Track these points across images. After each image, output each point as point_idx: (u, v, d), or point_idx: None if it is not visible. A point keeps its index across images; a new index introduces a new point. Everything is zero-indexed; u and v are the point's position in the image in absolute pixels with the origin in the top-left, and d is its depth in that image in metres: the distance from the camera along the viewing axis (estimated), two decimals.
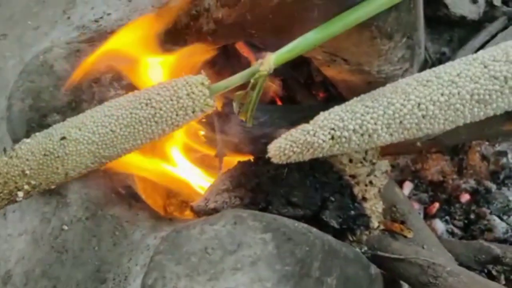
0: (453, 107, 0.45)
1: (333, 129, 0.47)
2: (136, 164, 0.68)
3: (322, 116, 0.49)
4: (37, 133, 0.51)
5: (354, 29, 0.63)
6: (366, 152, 0.65)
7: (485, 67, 0.45)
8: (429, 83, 0.46)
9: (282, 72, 0.87)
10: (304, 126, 0.48)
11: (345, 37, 0.65)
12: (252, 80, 0.52)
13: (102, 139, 0.48)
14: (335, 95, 0.87)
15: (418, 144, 0.74)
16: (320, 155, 0.49)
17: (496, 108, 0.46)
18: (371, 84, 0.77)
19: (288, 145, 0.48)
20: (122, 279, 0.57)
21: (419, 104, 0.46)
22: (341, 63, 0.72)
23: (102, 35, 0.69)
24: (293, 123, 0.70)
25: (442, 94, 0.45)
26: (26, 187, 0.48)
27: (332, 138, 0.47)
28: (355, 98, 0.50)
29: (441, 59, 0.89)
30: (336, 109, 0.49)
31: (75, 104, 0.63)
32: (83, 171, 0.49)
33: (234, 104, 0.53)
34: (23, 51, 0.83)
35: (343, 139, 0.47)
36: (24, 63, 0.70)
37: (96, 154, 0.48)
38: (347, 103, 0.50)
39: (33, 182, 0.48)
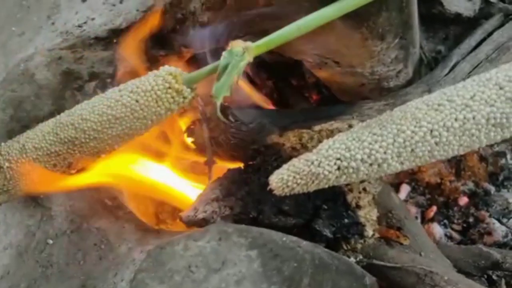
0: (468, 133, 0.43)
1: (339, 159, 0.45)
2: (125, 177, 0.67)
3: (326, 145, 0.46)
4: None
5: (344, 31, 0.61)
6: None
7: (501, 88, 0.42)
8: (441, 107, 0.44)
9: (274, 74, 0.86)
10: (307, 156, 0.46)
11: (335, 40, 0.64)
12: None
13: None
14: (328, 97, 0.85)
15: None
16: (326, 186, 0.46)
17: None
18: (365, 85, 0.75)
19: (291, 176, 0.46)
20: None
21: (431, 131, 0.43)
22: (332, 65, 0.70)
23: (85, 41, 0.67)
24: (285, 128, 0.68)
25: (456, 119, 0.43)
26: None
27: (339, 168, 0.45)
28: (360, 124, 0.48)
29: (437, 58, 0.87)
30: (341, 137, 0.47)
31: (57, 114, 0.61)
32: None
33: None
34: (8, 57, 0.81)
35: (351, 170, 0.45)
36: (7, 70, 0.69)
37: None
38: (352, 130, 0.48)
39: None
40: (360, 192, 0.61)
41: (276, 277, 0.41)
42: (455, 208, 0.81)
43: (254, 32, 0.66)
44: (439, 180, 0.83)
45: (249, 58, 0.47)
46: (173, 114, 0.53)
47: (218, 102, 0.47)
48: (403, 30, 0.66)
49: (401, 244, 0.64)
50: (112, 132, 0.52)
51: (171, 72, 0.50)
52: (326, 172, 0.45)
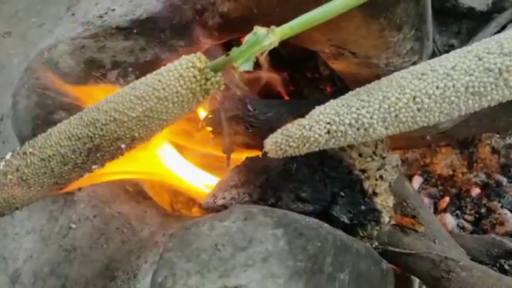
0: (448, 100, 0.45)
1: (329, 123, 0.47)
2: (142, 169, 0.68)
3: (317, 111, 0.49)
4: None
5: (362, 21, 0.62)
6: (376, 146, 0.64)
7: (480, 59, 0.45)
8: (424, 76, 0.46)
9: (289, 66, 0.87)
10: (300, 121, 0.49)
11: (353, 30, 0.65)
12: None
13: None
14: (342, 89, 0.86)
15: (428, 137, 0.73)
16: (317, 149, 0.49)
17: (490, 100, 0.46)
18: (379, 77, 0.75)
19: (284, 139, 0.48)
20: (131, 276, 0.57)
21: (414, 98, 0.46)
22: (349, 56, 0.71)
23: (106, 31, 0.68)
24: (302, 117, 0.69)
25: (437, 87, 0.45)
26: None
27: (328, 132, 0.47)
28: (350, 92, 0.51)
29: (450, 51, 0.88)
30: (332, 104, 0.49)
31: (80, 101, 0.62)
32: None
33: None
34: (28, 48, 0.83)
35: (339, 133, 0.47)
36: (29, 60, 0.70)
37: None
38: (342, 97, 0.50)
39: None
40: (376, 180, 0.63)
41: (301, 255, 0.43)
42: (468, 199, 0.82)
43: (273, 22, 0.67)
44: (451, 172, 0.84)
45: (274, 39, 0.47)
46: (196, 99, 0.52)
47: (238, 72, 0.48)
48: (419, 21, 0.67)
49: (416, 231, 0.66)
50: (132, 113, 0.50)
51: (195, 54, 0.51)
52: (317, 136, 0.47)
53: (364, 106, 0.47)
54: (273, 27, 0.49)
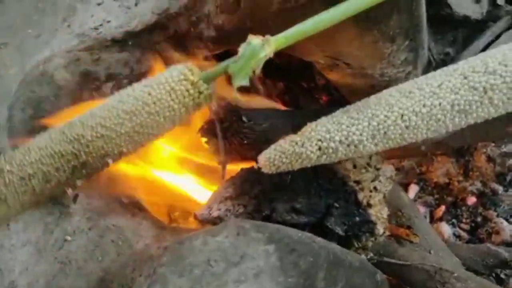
0: (435, 118, 0.47)
1: (320, 140, 0.49)
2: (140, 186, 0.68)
3: (309, 128, 0.50)
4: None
5: (356, 33, 0.62)
6: (370, 157, 0.64)
7: (465, 78, 0.46)
8: (412, 94, 0.48)
9: (284, 76, 0.87)
10: (292, 137, 0.50)
11: (347, 41, 0.65)
12: None
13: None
14: (338, 99, 0.87)
15: (423, 147, 0.73)
16: (309, 165, 0.50)
17: (476, 117, 0.47)
18: (374, 87, 0.76)
19: (277, 155, 0.49)
20: None
21: (402, 115, 0.47)
22: (343, 67, 0.71)
23: (101, 43, 0.68)
24: (297, 128, 0.69)
25: (424, 106, 0.47)
26: None
27: (320, 149, 0.49)
28: (341, 109, 0.52)
29: (445, 60, 0.88)
30: (323, 121, 0.51)
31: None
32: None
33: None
34: (24, 59, 0.83)
35: (330, 150, 0.49)
36: (25, 71, 0.70)
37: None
38: (333, 114, 0.52)
39: None
40: (371, 191, 0.63)
41: (293, 271, 0.43)
42: (463, 208, 0.83)
43: (267, 34, 0.67)
44: (447, 180, 0.84)
45: (269, 50, 0.47)
46: (189, 113, 0.51)
47: (235, 86, 0.48)
48: (413, 32, 0.68)
49: (411, 242, 0.66)
50: (121, 129, 0.48)
51: (187, 66, 0.49)
52: (309, 152, 0.49)
53: (354, 124, 0.48)
54: (267, 36, 0.49)
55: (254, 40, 0.49)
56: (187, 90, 0.49)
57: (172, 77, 0.49)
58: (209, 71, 0.52)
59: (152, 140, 0.52)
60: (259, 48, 0.49)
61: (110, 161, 0.51)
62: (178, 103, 0.49)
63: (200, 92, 0.50)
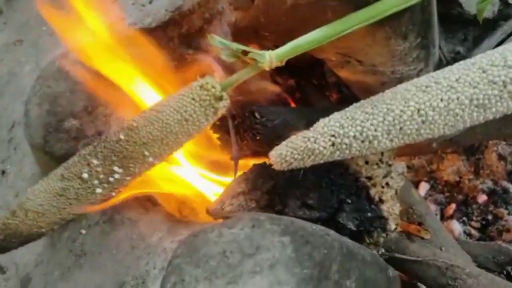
0: (453, 112, 0.46)
1: (333, 136, 0.47)
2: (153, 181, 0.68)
3: (322, 123, 0.49)
4: None
5: (368, 30, 0.63)
6: (382, 153, 0.65)
7: (484, 72, 0.45)
8: (428, 88, 0.47)
9: (295, 73, 0.87)
10: (304, 133, 0.49)
11: (359, 38, 0.65)
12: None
13: None
14: (348, 96, 0.87)
15: (434, 144, 0.73)
16: (321, 161, 0.49)
17: (495, 112, 0.46)
18: (385, 84, 0.77)
19: (289, 152, 0.48)
20: (140, 282, 0.57)
21: (418, 110, 0.46)
22: (355, 64, 0.72)
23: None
24: (308, 125, 0.70)
25: (441, 100, 0.46)
26: None
27: (333, 144, 0.47)
28: (354, 104, 0.51)
29: (456, 58, 0.88)
30: (336, 116, 0.50)
31: (91, 109, 0.63)
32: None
33: None
34: (39, 56, 0.84)
35: (344, 146, 0.47)
36: (40, 68, 0.71)
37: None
38: (347, 109, 0.50)
39: None
40: (383, 187, 0.63)
41: (308, 262, 0.43)
42: (474, 206, 0.83)
43: (280, 31, 0.68)
44: (458, 179, 0.84)
45: (268, 66, 0.50)
46: (209, 121, 0.53)
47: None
48: (425, 29, 0.68)
49: (422, 238, 0.66)
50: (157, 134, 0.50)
51: (207, 79, 0.51)
52: (321, 148, 0.47)
53: (369, 119, 0.47)
54: (270, 52, 0.51)
55: (259, 57, 0.51)
56: (208, 101, 0.51)
57: (194, 91, 0.51)
58: (227, 80, 0.53)
59: (179, 146, 0.54)
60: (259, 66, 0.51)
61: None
62: (200, 113, 0.51)
63: (218, 101, 0.52)
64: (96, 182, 0.50)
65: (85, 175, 0.49)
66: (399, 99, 0.47)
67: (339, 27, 0.53)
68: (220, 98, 0.51)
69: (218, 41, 0.54)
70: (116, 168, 0.49)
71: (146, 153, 0.50)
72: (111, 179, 0.50)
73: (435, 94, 0.46)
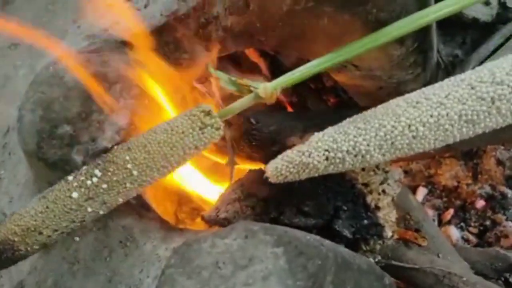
0: (442, 128, 0.47)
1: (327, 150, 0.49)
2: None
3: (316, 138, 0.51)
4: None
5: (364, 35, 0.62)
6: None
7: (472, 88, 0.46)
8: (419, 104, 0.48)
9: None
10: (299, 147, 0.50)
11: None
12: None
13: None
14: (346, 100, 0.86)
15: (431, 150, 0.72)
16: (316, 175, 0.51)
17: (484, 127, 0.47)
18: (383, 89, 0.76)
19: (284, 165, 0.50)
20: None
21: (409, 126, 0.47)
22: (351, 69, 0.71)
23: (111, 44, 0.68)
24: (305, 130, 0.69)
25: (431, 116, 0.47)
26: None
27: (327, 159, 0.49)
28: (347, 119, 0.53)
29: (454, 62, 0.88)
30: (330, 131, 0.51)
31: (85, 115, 0.63)
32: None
33: None
34: (34, 60, 0.84)
35: (337, 160, 0.49)
36: (35, 72, 0.70)
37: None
38: (339, 124, 0.52)
39: None
40: (379, 194, 0.63)
41: (301, 274, 0.43)
42: (472, 211, 0.82)
43: (276, 36, 0.67)
44: (456, 183, 0.84)
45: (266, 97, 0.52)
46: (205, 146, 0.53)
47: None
48: (423, 34, 0.67)
49: (419, 245, 0.65)
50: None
51: (204, 108, 0.52)
52: (316, 162, 0.49)
53: (361, 134, 0.48)
54: (269, 84, 0.52)
55: (260, 90, 0.52)
56: (205, 130, 0.52)
57: (192, 122, 0.51)
58: (225, 110, 0.54)
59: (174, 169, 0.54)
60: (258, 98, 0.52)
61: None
62: (197, 144, 0.52)
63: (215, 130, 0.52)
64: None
65: (89, 209, 0.51)
66: (390, 114, 0.49)
67: (335, 57, 0.54)
68: (218, 128, 0.51)
69: (217, 73, 0.54)
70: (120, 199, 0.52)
71: (135, 172, 0.50)
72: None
73: (425, 110, 0.47)
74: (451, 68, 0.87)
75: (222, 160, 0.75)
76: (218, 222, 0.64)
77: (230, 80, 0.53)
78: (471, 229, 0.81)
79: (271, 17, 0.61)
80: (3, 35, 0.89)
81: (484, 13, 0.86)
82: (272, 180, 0.50)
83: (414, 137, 0.48)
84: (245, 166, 0.72)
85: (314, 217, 0.62)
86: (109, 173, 0.50)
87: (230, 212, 0.64)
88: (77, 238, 0.63)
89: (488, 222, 0.80)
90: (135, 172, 0.50)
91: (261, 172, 0.67)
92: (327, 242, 0.49)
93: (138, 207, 0.65)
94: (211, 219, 0.65)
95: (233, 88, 0.53)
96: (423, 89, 0.51)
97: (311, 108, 0.86)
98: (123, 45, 0.69)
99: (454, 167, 0.84)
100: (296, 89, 0.87)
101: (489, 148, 0.84)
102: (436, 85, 0.51)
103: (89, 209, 0.51)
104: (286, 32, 0.63)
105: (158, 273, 0.57)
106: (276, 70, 0.85)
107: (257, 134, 0.68)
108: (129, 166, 0.50)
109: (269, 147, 0.68)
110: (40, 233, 0.50)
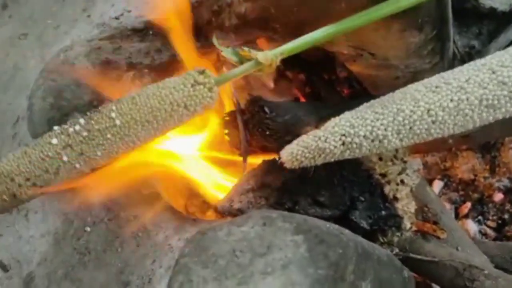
0: (462, 113, 0.46)
1: (344, 135, 0.48)
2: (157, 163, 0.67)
3: (332, 122, 0.49)
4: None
5: (382, 22, 0.60)
6: (396, 150, 0.62)
7: (493, 72, 0.45)
8: (438, 89, 0.47)
9: (306, 68, 0.85)
10: (315, 132, 0.49)
11: (372, 30, 0.63)
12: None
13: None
14: (360, 92, 0.85)
15: (450, 141, 0.71)
16: (332, 160, 0.49)
17: (505, 112, 0.46)
18: (399, 79, 0.74)
19: (300, 150, 0.48)
20: (146, 281, 0.56)
21: (428, 110, 0.46)
22: (367, 57, 0.69)
23: (122, 32, 0.67)
24: (320, 120, 0.68)
25: (451, 100, 0.46)
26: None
27: (343, 144, 0.48)
28: (365, 104, 0.51)
29: (471, 53, 0.86)
30: (347, 115, 0.50)
31: (96, 103, 0.62)
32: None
33: None
34: (44, 50, 0.83)
35: (354, 145, 0.48)
36: (45, 62, 0.70)
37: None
38: (357, 109, 0.51)
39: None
40: (397, 184, 0.61)
41: (322, 262, 0.41)
42: (490, 205, 0.80)
43: (291, 23, 0.66)
44: (473, 177, 0.82)
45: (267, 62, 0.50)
46: (196, 112, 0.51)
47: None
48: (441, 22, 0.66)
49: (438, 238, 0.64)
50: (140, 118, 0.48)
51: (199, 69, 0.50)
52: (332, 147, 0.48)
53: (379, 119, 0.47)
54: (273, 51, 0.51)
55: (261, 56, 0.50)
56: (199, 91, 0.49)
57: (185, 79, 0.50)
58: (223, 75, 0.52)
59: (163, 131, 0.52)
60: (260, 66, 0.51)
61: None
62: (186, 102, 0.49)
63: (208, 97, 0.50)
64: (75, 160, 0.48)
65: (65, 158, 0.48)
66: (409, 99, 0.48)
67: (343, 24, 0.52)
68: (210, 89, 0.50)
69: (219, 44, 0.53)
70: (98, 153, 0.48)
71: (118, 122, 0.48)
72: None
73: (445, 95, 0.46)
74: (467, 59, 0.85)
75: (234, 155, 0.73)
76: (232, 213, 0.63)
77: (233, 50, 0.51)
78: (489, 222, 0.79)
79: (286, 3, 0.60)
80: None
81: (501, 2, 0.84)
82: (288, 165, 0.49)
83: (433, 122, 0.46)
84: (257, 159, 0.71)
85: (330, 207, 0.60)
86: (93, 122, 0.48)
87: (244, 202, 0.62)
88: (88, 229, 0.62)
89: (506, 216, 0.78)
90: (118, 122, 0.47)
91: (275, 162, 0.66)
92: (347, 231, 0.48)
93: (151, 198, 0.64)
94: (224, 209, 0.63)
95: (235, 58, 0.51)
96: (442, 73, 0.50)
97: (325, 99, 0.84)
98: (135, 32, 0.68)
99: (471, 160, 0.82)
100: (309, 80, 0.85)
101: (507, 140, 0.82)
102: (456, 69, 0.50)
103: (65, 158, 0.47)
104: (301, 18, 0.61)
105: (171, 263, 0.56)
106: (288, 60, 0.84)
107: (271, 123, 0.67)
108: (113, 115, 0.48)
109: (283, 137, 0.66)
110: (12, 179, 0.47)
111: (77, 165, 0.48)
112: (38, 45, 0.83)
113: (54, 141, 0.48)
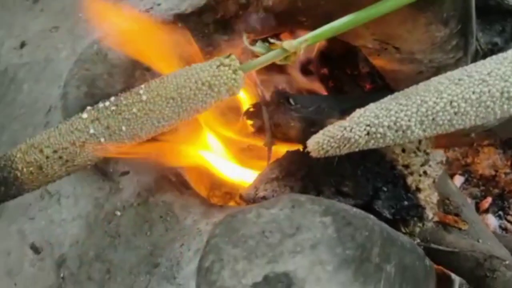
0: (484, 104, 0.48)
1: (368, 125, 0.49)
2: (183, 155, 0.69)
3: (358, 113, 0.51)
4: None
5: (409, 15, 0.61)
6: (419, 142, 0.63)
7: None
8: (461, 81, 0.49)
9: (329, 62, 0.87)
10: (341, 123, 0.51)
11: (398, 24, 0.64)
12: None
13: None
14: (382, 87, 0.86)
15: (473, 135, 0.72)
16: (357, 149, 0.51)
17: None
18: (422, 73, 0.75)
19: (326, 140, 0.50)
20: (175, 263, 0.58)
21: (451, 102, 0.48)
22: (392, 51, 0.70)
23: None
24: (343, 112, 0.69)
25: (473, 92, 0.47)
26: None
27: (368, 134, 0.49)
28: (389, 96, 0.53)
29: (493, 50, 0.86)
30: (371, 107, 0.52)
31: (128, 91, 0.64)
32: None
33: None
34: (75, 42, 0.85)
35: (378, 135, 0.49)
36: (76, 54, 0.72)
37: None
38: (381, 100, 0.53)
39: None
40: (420, 175, 0.62)
41: (350, 243, 0.43)
42: (511, 200, 0.80)
43: (317, 15, 0.67)
44: (493, 172, 0.82)
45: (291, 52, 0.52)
46: (221, 96, 0.52)
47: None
48: (465, 17, 0.66)
49: (460, 229, 0.64)
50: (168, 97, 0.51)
51: (231, 60, 0.52)
52: (357, 137, 0.49)
53: (403, 110, 0.49)
54: (298, 40, 0.52)
55: (288, 45, 0.52)
56: (225, 76, 0.51)
57: (211, 61, 0.52)
58: (249, 62, 0.54)
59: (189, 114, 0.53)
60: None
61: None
62: (210, 81, 0.51)
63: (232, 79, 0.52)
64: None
65: (92, 130, 0.50)
66: (432, 91, 0.49)
67: (367, 12, 0.54)
68: (235, 71, 0.51)
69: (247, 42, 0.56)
70: (123, 127, 0.51)
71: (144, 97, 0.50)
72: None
73: (468, 87, 0.48)
74: (490, 56, 0.85)
75: (258, 143, 0.75)
76: (256, 201, 0.64)
77: (261, 44, 0.53)
78: (509, 217, 0.79)
79: None
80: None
81: None
82: (314, 154, 0.51)
83: (455, 113, 0.48)
84: (282, 148, 0.72)
85: (353, 197, 0.61)
86: (121, 98, 0.51)
87: (269, 191, 0.64)
88: (118, 213, 0.64)
89: None
90: (144, 97, 0.50)
91: (299, 152, 0.67)
92: (372, 216, 0.49)
93: (178, 184, 0.66)
94: (249, 197, 0.65)
95: (262, 51, 0.53)
96: (465, 67, 0.52)
97: (347, 93, 0.85)
98: (165, 25, 0.70)
99: (492, 156, 0.83)
100: (332, 74, 0.87)
101: None
102: (479, 63, 0.51)
103: (92, 131, 0.50)
104: (328, 11, 0.62)
105: (199, 246, 0.58)
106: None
107: (295, 115, 0.69)
108: (141, 91, 0.50)
109: (307, 128, 0.68)
110: (41, 150, 0.50)
111: (102, 139, 0.51)
112: (69, 38, 0.86)
113: (84, 115, 0.51)
